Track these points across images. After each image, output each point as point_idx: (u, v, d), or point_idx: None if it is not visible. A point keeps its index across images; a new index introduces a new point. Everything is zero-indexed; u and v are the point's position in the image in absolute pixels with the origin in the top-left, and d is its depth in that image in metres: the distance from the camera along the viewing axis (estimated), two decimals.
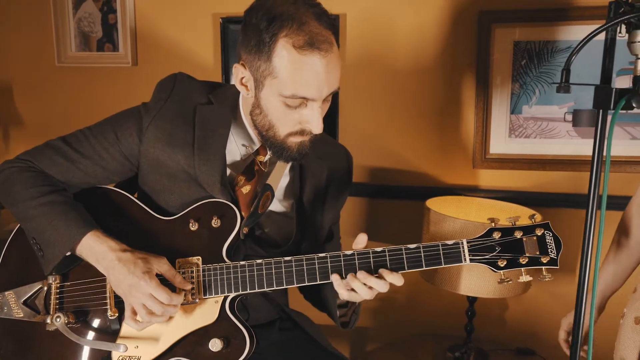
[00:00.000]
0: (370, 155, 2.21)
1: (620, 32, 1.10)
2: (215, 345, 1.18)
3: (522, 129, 2.07)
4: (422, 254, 1.18)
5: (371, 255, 1.18)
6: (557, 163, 2.04)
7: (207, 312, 1.21)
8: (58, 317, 1.21)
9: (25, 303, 1.26)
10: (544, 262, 1.19)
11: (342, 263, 1.18)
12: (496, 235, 1.20)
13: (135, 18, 2.40)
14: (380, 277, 1.15)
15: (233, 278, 1.20)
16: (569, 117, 2.01)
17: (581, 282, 1.10)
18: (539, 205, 2.01)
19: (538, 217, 1.24)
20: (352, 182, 1.51)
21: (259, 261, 1.21)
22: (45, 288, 1.26)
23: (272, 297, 1.42)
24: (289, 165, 1.36)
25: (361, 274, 1.16)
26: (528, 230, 1.21)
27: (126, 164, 1.29)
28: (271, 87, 1.16)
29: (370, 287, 1.16)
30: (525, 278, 1.20)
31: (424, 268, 1.18)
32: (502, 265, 1.19)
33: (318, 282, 1.19)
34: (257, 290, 1.20)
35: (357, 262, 1.18)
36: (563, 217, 2.03)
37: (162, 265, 1.18)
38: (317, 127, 1.18)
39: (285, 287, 1.20)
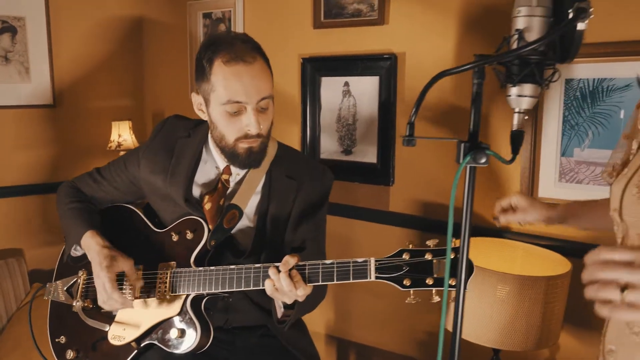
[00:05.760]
0: (417, 189, 2.29)
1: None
2: (174, 333, 1.44)
3: (574, 174, 1.95)
4: (335, 269, 1.30)
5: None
6: None
7: (172, 306, 1.48)
8: (77, 301, 1.59)
9: (67, 290, 1.68)
10: (452, 284, 1.22)
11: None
12: (406, 256, 1.27)
13: None
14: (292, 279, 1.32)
15: (192, 281, 1.46)
16: None
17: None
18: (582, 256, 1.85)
19: (457, 243, 1.27)
20: (326, 201, 1.64)
21: (211, 268, 1.44)
22: (79, 280, 1.66)
23: (259, 302, 1.60)
24: (260, 185, 1.57)
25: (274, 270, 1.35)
26: (440, 253, 1.26)
27: (132, 186, 1.67)
28: (214, 100, 1.45)
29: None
30: (435, 299, 1.25)
31: (335, 282, 1.30)
32: (407, 284, 1.25)
33: (252, 288, 1.39)
34: (207, 291, 1.43)
35: None
36: None
37: (125, 265, 1.49)
38: (254, 129, 1.44)
39: (227, 290, 1.41)
